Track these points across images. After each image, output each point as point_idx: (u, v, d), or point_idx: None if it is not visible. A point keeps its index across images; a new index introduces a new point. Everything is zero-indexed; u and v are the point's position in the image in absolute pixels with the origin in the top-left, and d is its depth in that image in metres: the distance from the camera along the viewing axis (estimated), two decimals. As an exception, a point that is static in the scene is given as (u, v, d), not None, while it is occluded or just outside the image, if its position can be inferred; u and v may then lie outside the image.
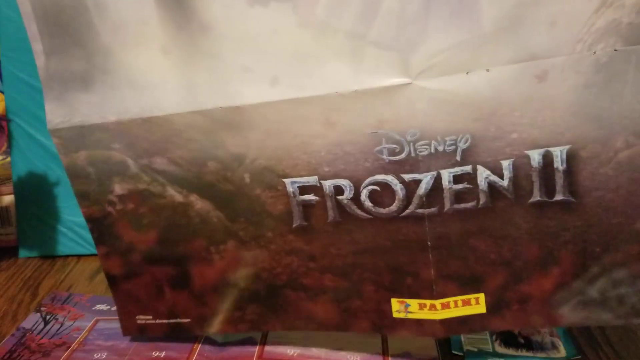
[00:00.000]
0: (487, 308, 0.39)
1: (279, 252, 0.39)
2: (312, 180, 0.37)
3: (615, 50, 0.32)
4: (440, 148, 0.35)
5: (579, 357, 0.43)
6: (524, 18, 0.32)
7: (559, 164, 0.35)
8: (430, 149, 0.35)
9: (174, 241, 0.40)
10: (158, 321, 0.44)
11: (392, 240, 0.38)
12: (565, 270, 0.37)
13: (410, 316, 0.40)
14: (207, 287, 0.42)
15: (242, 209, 0.39)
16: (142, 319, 0.44)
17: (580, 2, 0.32)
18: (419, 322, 0.40)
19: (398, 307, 0.40)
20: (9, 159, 0.60)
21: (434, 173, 0.35)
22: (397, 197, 0.36)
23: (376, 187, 0.36)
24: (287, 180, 0.37)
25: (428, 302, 0.39)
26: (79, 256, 0.60)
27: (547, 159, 0.35)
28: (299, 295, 0.41)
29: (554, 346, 0.44)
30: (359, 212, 0.37)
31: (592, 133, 0.34)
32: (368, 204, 0.37)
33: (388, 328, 0.41)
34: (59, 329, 0.46)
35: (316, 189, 0.37)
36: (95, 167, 0.39)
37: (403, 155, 0.35)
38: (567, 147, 0.34)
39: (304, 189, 0.37)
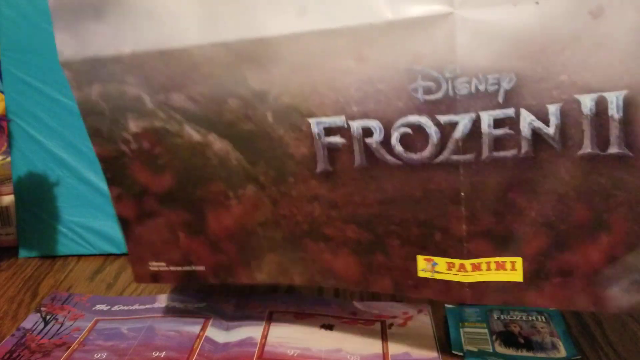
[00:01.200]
0: (524, 276, 0.37)
1: (300, 199, 0.38)
2: (339, 121, 0.36)
3: None
4: (482, 87, 0.33)
5: (579, 357, 0.42)
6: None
7: (614, 111, 0.32)
8: (470, 88, 0.33)
9: (190, 184, 0.40)
10: (172, 268, 0.43)
11: (422, 190, 0.36)
12: (617, 239, 0.35)
13: (437, 276, 0.38)
14: (223, 233, 0.41)
15: (263, 151, 0.38)
16: (154, 265, 0.44)
17: None
18: (446, 284, 0.38)
19: (424, 266, 0.38)
20: (9, 159, 0.61)
21: (473, 115, 0.34)
22: (430, 141, 0.35)
23: (408, 130, 0.35)
24: (312, 120, 0.36)
25: (457, 261, 0.37)
26: (79, 256, 0.61)
27: (601, 105, 0.32)
28: (319, 246, 0.40)
29: (554, 346, 0.42)
30: (388, 157, 0.36)
31: (653, 78, 0.32)
32: (399, 148, 0.36)
33: (411, 288, 0.39)
34: (59, 329, 0.47)
35: (343, 131, 0.36)
36: (108, 103, 0.38)
37: (440, 95, 0.34)
38: (624, 92, 0.32)
39: (329, 131, 0.36)
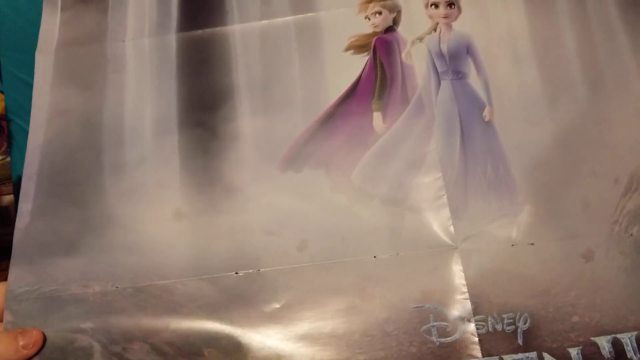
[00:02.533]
0: None
1: None
2: None
3: None
4: (499, 327, 0.31)
5: None
6: (558, 196, 0.35)
7: (632, 354, 0.31)
8: (488, 327, 0.31)
9: None
10: None
11: None
12: None
13: None
14: None
15: None
16: None
17: (608, 185, 0.35)
18: None
19: None
20: (8, 159, 0.62)
21: (496, 359, 0.31)
22: (454, 396, 0.30)
23: (426, 384, 0.30)
24: None
25: None
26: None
27: (618, 347, 0.31)
28: None
29: None
30: None
31: (658, 317, 0.32)
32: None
33: None
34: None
35: None
36: (42, 357, 0.31)
37: (457, 335, 0.31)
38: (634, 333, 0.32)
39: None
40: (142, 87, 0.38)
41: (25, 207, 0.35)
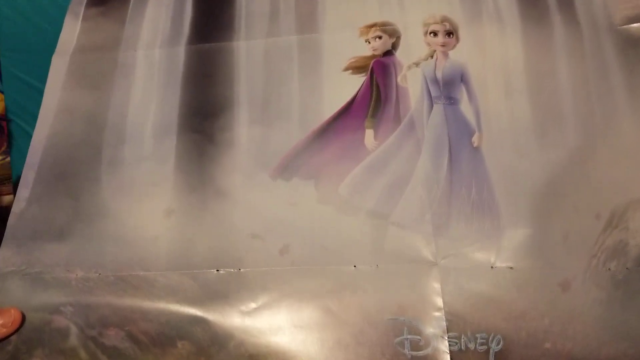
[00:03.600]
0: None
1: None
2: None
3: (627, 268, 0.35)
4: (472, 346, 0.32)
5: None
6: (540, 226, 0.35)
7: (602, 386, 0.32)
8: (460, 345, 0.32)
9: None
10: None
11: None
12: None
13: None
14: None
15: None
16: None
17: (589, 220, 0.36)
18: None
19: None
20: (8, 159, 0.62)
21: (466, 377, 0.31)
22: (420, 407, 0.30)
23: (393, 395, 0.31)
24: None
25: None
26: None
27: (589, 379, 0.32)
28: None
29: None
30: None
31: (629, 351, 0.33)
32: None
33: None
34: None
35: None
36: (19, 335, 0.31)
37: (429, 350, 0.31)
38: None
39: None
40: (147, 93, 0.40)
41: (23, 194, 0.36)
